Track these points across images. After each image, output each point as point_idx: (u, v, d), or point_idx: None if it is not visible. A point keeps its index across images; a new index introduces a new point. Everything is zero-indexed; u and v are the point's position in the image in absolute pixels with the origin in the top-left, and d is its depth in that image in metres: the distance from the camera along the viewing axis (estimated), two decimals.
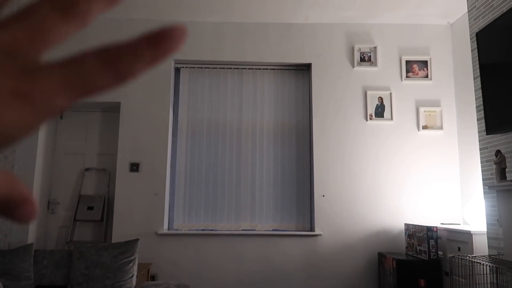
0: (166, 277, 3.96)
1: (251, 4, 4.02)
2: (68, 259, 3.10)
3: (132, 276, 3.00)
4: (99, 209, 4.20)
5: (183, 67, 4.41)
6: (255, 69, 4.42)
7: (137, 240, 3.14)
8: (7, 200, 0.17)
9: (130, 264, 3.02)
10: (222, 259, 4.01)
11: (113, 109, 4.44)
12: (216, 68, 4.42)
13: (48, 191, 4.31)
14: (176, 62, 4.39)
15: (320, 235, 4.06)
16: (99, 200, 4.24)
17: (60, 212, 4.30)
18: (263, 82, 4.41)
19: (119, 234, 4.00)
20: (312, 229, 4.15)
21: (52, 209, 4.30)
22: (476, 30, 3.31)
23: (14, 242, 3.92)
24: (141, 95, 4.22)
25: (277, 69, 4.44)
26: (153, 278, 3.92)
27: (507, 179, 2.85)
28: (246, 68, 4.42)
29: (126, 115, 4.19)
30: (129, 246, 3.09)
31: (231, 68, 4.42)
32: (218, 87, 4.39)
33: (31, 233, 3.99)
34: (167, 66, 4.28)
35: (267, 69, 4.43)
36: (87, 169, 4.36)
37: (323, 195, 4.11)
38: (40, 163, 4.15)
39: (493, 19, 3.00)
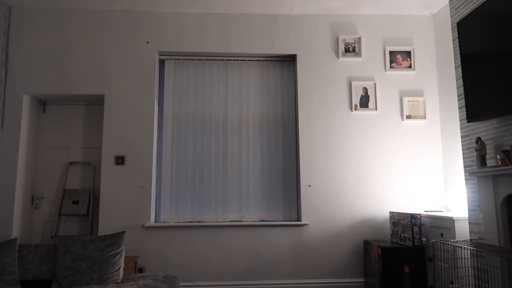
0: (153, 270, 3.96)
1: None
2: (54, 253, 3.07)
3: (119, 268, 2.98)
4: (84, 203, 4.16)
5: (167, 59, 4.37)
6: (241, 60, 4.42)
7: (123, 232, 3.12)
8: None
9: (117, 257, 3.00)
10: (210, 250, 4.03)
11: (97, 102, 4.39)
12: (201, 59, 4.39)
13: (32, 186, 4.25)
14: (161, 54, 4.35)
15: (307, 224, 4.10)
16: (84, 194, 4.20)
17: (44, 207, 4.25)
18: (248, 74, 4.41)
19: (105, 228, 3.98)
20: (299, 219, 4.19)
21: (37, 204, 4.24)
22: (457, 20, 3.36)
23: None
24: (125, 87, 4.18)
25: (263, 60, 4.44)
26: (140, 270, 3.92)
27: (487, 165, 2.93)
28: (231, 60, 4.41)
29: (110, 108, 4.14)
30: (116, 238, 3.07)
31: (216, 60, 4.40)
32: (203, 79, 4.37)
33: (15, 228, 3.94)
34: (151, 58, 4.24)
35: (253, 60, 4.43)
36: (71, 163, 4.31)
37: (309, 185, 4.15)
38: (23, 158, 4.08)
39: (473, 9, 3.04)
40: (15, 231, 3.94)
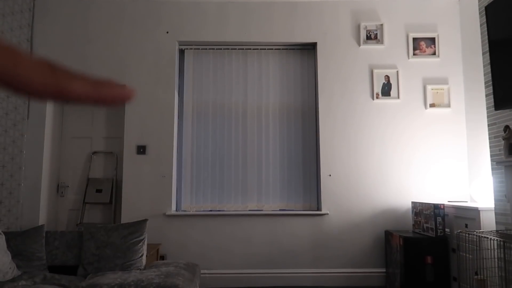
0: (175, 258, 4.02)
1: None
2: (79, 240, 3.15)
3: (141, 255, 3.04)
4: (107, 191, 4.24)
5: (187, 49, 4.38)
6: (260, 49, 4.38)
7: (145, 220, 3.18)
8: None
9: (140, 244, 3.06)
10: (230, 239, 4.06)
11: None
12: (221, 49, 4.38)
13: (57, 175, 4.36)
14: (180, 43, 4.36)
15: (327, 214, 4.08)
16: (107, 183, 4.29)
17: (69, 196, 4.36)
18: (268, 62, 4.37)
19: (128, 216, 4.05)
20: (319, 208, 4.17)
21: (62, 193, 4.35)
22: (485, 3, 3.24)
23: (25, 225, 3.99)
24: (145, 77, 4.21)
25: (282, 49, 4.39)
26: (162, 258, 3.99)
27: None
28: (251, 49, 4.38)
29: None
30: (138, 226, 3.13)
31: (235, 49, 4.38)
32: (223, 68, 4.37)
33: (42, 216, 4.06)
34: (171, 47, 4.25)
35: (272, 49, 4.39)
36: (94, 153, 4.39)
37: (330, 175, 4.11)
38: (48, 147, 4.19)
39: None
40: (42, 219, 4.07)
